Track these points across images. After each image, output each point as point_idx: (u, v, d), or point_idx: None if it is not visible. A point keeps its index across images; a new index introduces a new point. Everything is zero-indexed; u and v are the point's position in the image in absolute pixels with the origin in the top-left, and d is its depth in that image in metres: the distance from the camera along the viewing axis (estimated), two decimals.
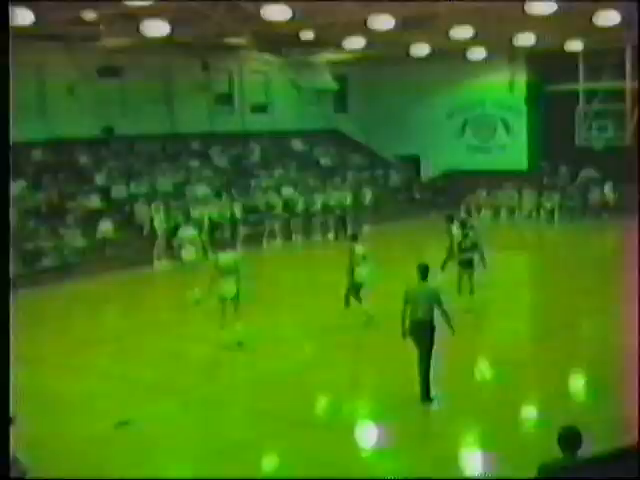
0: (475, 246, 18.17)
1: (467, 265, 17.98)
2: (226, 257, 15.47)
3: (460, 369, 13.92)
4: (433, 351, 12.11)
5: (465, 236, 18.36)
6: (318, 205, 31.37)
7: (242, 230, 28.23)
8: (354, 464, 10.27)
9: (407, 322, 12.15)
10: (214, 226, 27.29)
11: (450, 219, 20.54)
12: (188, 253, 21.33)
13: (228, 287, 15.24)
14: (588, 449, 6.58)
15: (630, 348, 14.70)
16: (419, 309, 12.06)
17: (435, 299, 12.10)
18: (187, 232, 22.11)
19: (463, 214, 25.55)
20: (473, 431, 11.51)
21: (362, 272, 16.83)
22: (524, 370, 14.06)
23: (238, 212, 28.64)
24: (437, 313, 12.12)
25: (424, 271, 12.23)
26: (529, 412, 12.35)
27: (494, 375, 14.23)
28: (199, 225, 25.66)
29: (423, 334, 12.09)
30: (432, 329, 12.10)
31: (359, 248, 16.98)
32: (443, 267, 19.79)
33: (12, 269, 18.86)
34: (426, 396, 12.09)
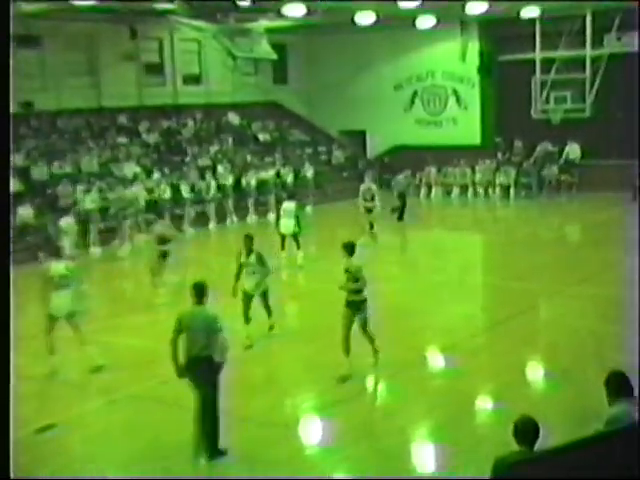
0: None
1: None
2: (58, 268, 13.92)
3: (410, 357, 13.98)
4: (218, 396, 10.15)
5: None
6: (254, 184, 31.30)
7: (173, 212, 28.00)
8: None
9: (181, 358, 10.12)
10: (147, 207, 27.10)
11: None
12: (67, 244, 21.15)
13: (60, 304, 13.70)
14: (546, 441, 6.62)
15: (587, 331, 14.93)
16: (195, 342, 9.98)
17: (212, 328, 9.98)
18: (64, 222, 21.88)
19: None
20: (424, 424, 11.52)
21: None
22: (477, 358, 14.13)
23: (169, 193, 28.29)
24: None
25: (199, 292, 10.17)
26: (483, 403, 12.33)
27: (445, 364, 14.20)
28: (79, 214, 25.22)
29: (202, 374, 10.05)
30: (215, 367, 10.07)
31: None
32: None
33: None
34: (215, 450, 10.17)
